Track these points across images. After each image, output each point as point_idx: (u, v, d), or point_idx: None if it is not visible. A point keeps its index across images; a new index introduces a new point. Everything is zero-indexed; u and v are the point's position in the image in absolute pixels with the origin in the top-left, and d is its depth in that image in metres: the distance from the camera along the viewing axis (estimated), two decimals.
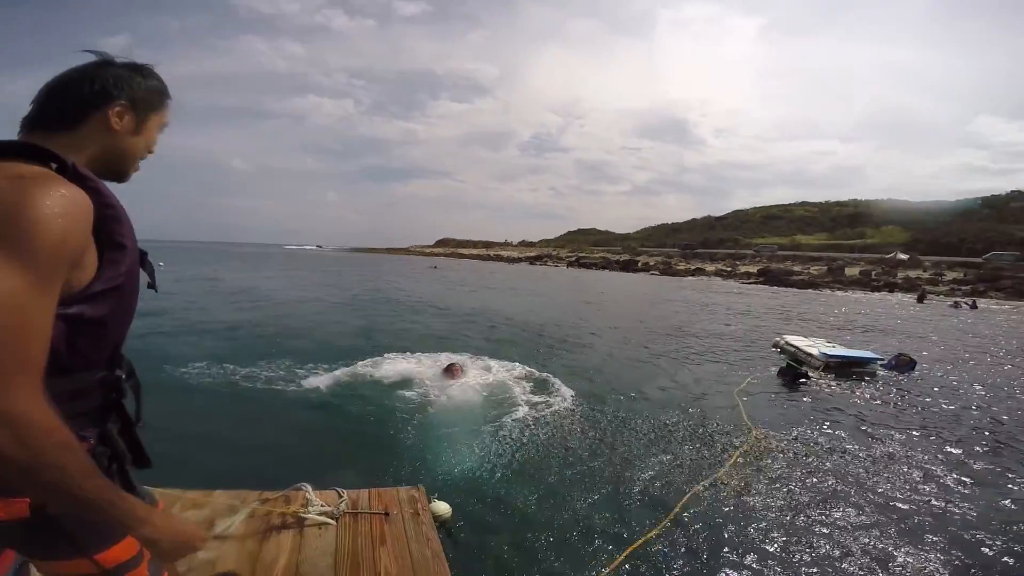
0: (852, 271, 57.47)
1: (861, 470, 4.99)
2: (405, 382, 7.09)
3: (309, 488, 2.60)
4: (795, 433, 5.91)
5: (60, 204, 0.73)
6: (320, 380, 6.97)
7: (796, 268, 61.84)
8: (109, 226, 0.87)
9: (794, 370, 8.95)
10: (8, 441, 0.64)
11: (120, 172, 1.01)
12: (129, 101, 0.97)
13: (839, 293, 42.58)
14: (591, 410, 6.47)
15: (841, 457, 5.28)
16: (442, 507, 3.28)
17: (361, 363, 7.89)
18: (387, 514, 2.51)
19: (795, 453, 5.28)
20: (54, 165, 0.82)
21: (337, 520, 2.43)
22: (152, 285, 1.06)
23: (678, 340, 12.95)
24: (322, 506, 2.49)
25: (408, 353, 8.73)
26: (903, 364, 10.03)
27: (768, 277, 52.54)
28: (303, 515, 2.38)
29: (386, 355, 8.47)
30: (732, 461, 4.89)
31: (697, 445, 5.36)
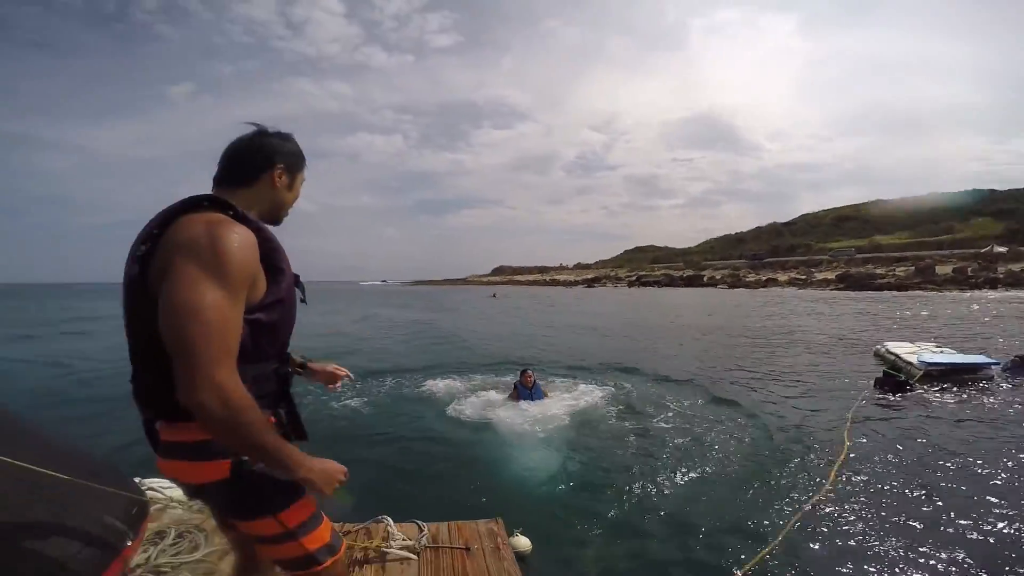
0: (944, 269, 52.84)
1: (985, 488, 4.33)
2: (477, 404, 7.00)
3: (390, 521, 2.54)
4: (903, 448, 5.26)
5: (239, 240, 1.03)
6: (393, 402, 7.05)
7: (879, 271, 57.51)
8: (272, 255, 1.15)
9: (893, 378, 8.10)
10: (218, 403, 0.92)
11: (277, 219, 1.30)
12: (285, 164, 1.27)
13: (933, 294, 39.14)
14: (680, 432, 5.92)
15: (958, 473, 4.62)
16: (522, 542, 3.09)
17: (430, 383, 7.89)
18: (468, 548, 2.38)
19: (904, 470, 4.68)
20: (231, 212, 1.10)
21: (419, 555, 2.34)
22: (303, 299, 1.34)
23: (764, 354, 12.01)
24: (404, 540, 2.42)
25: (479, 375, 8.71)
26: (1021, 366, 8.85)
27: (849, 283, 49.24)
28: (385, 549, 2.33)
29: (452, 377, 8.51)
30: (832, 479, 4.40)
31: (796, 468, 4.81)
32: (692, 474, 4.69)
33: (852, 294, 40.70)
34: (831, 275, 58.21)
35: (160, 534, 1.81)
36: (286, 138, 1.31)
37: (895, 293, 41.23)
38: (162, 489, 1.97)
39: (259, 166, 1.24)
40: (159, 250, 1.02)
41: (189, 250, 0.97)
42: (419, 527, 2.55)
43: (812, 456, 5.06)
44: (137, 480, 1.87)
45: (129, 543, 1.67)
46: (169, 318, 0.94)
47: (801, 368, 10.15)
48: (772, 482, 4.48)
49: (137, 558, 1.62)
